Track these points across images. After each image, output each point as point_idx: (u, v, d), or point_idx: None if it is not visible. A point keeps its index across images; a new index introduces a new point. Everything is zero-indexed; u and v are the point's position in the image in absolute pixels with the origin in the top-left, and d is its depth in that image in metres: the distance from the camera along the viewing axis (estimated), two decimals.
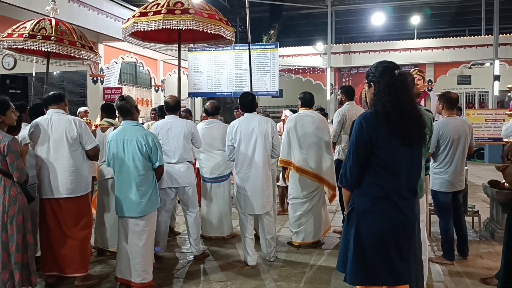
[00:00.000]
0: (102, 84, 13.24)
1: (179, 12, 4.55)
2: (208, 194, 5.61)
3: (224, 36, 5.05)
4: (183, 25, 4.57)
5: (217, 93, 13.41)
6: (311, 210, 5.16)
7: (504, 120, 13.12)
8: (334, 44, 18.70)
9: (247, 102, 4.69)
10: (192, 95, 14.00)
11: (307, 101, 5.28)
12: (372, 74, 2.46)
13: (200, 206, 5.28)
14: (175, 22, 4.53)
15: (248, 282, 4.10)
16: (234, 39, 5.37)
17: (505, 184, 5.37)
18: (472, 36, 18.12)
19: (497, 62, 16.57)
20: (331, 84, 18.77)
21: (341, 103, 5.60)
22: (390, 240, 2.32)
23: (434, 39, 18.03)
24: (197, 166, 5.96)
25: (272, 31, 19.32)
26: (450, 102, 4.49)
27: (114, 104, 4.28)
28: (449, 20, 21.52)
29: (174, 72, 18.28)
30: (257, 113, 4.95)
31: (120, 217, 3.92)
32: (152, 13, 4.61)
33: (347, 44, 18.94)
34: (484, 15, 18.15)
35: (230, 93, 13.50)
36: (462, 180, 4.55)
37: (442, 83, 19.03)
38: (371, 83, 2.45)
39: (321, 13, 19.08)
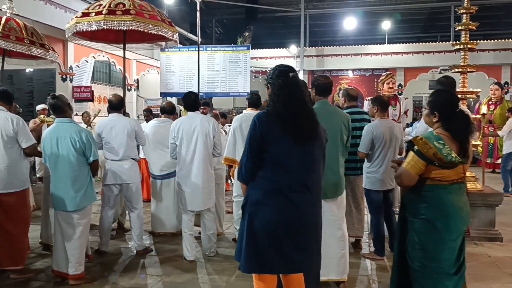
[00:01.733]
0: (71, 82, 13.21)
1: (120, 13, 4.68)
2: (158, 191, 5.73)
3: (166, 36, 5.17)
4: (123, 25, 4.70)
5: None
6: None
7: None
8: (308, 47, 18.96)
9: (190, 101, 4.83)
10: (164, 95, 14.08)
11: (254, 101, 5.43)
12: (269, 77, 2.62)
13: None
14: (115, 22, 4.66)
15: (182, 275, 4.23)
16: (178, 40, 5.49)
17: None
18: (440, 42, 18.56)
19: None
20: None
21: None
22: (282, 231, 2.47)
23: (404, 44, 18.40)
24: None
25: (247, 33, 19.48)
26: (382, 105, 4.69)
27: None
28: (421, 26, 21.96)
29: (148, 71, 18.34)
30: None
31: (56, 211, 4.02)
32: (94, 13, 4.73)
33: (320, 47, 19.23)
34: (453, 22, 18.58)
35: (202, 94, 13.59)
36: (393, 179, 4.74)
37: (412, 87, 19.44)
38: (268, 85, 2.62)
39: (295, 17, 19.30)
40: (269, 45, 20.36)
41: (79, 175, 3.96)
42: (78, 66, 13.76)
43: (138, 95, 18.20)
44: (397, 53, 18.19)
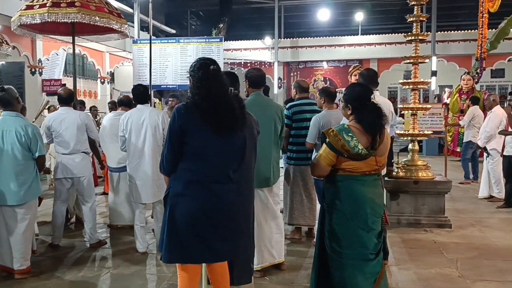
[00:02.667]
0: (40, 75, 13.06)
1: (64, 5, 4.65)
2: (115, 184, 5.75)
3: (114, 28, 5.16)
4: (67, 18, 4.67)
5: (162, 86, 13.47)
6: None
7: (440, 114, 13.73)
8: (282, 39, 18.99)
9: (139, 94, 4.84)
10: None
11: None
12: (191, 69, 2.66)
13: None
14: (60, 15, 4.63)
15: (131, 267, 4.28)
16: (127, 31, 5.47)
17: (393, 173, 5.74)
18: (425, 33, 18.70)
19: (434, 59, 17.23)
20: (280, 78, 19.07)
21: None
22: (203, 221, 2.52)
23: (377, 35, 18.57)
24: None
25: (221, 25, 19.40)
26: (330, 96, 4.77)
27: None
28: (395, 17, 22.12)
29: (122, 64, 18.19)
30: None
31: (0, 205, 4.02)
32: (38, 6, 4.69)
33: (294, 39, 19.26)
34: (425, 12, 18.78)
35: (176, 86, 13.53)
36: None
37: (386, 78, 19.62)
38: (190, 77, 2.65)
39: (270, 8, 19.28)
40: (245, 37, 20.33)
41: (23, 170, 3.97)
42: (48, 59, 13.60)
43: (113, 88, 18.07)
44: (370, 44, 18.33)
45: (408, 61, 5.96)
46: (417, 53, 5.92)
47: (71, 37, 5.54)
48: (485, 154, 7.33)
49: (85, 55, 15.48)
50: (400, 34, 18.91)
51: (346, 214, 2.81)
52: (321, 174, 2.90)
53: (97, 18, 4.81)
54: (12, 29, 5.31)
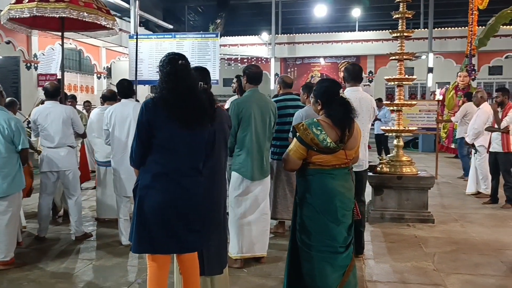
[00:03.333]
0: (36, 70, 13.12)
1: (53, 0, 4.69)
2: (102, 178, 5.81)
3: (102, 24, 5.20)
4: (56, 12, 4.71)
5: (158, 81, 13.48)
6: None
7: (435, 111, 13.74)
8: (279, 35, 19.02)
9: (123, 88, 4.91)
10: (133, 82, 14.05)
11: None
12: (160, 64, 2.71)
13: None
14: (48, 9, 4.67)
15: (113, 259, 4.35)
16: (117, 28, 5.51)
17: (377, 168, 5.80)
18: (410, 30, 18.71)
19: (431, 55, 17.27)
20: (277, 74, 19.11)
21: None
22: (171, 213, 2.58)
23: (374, 31, 18.58)
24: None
25: (218, 20, 19.45)
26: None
27: None
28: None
29: (119, 59, 18.24)
30: None
31: None
32: (27, 0, 4.74)
33: (291, 35, 19.30)
34: (423, 9, 18.80)
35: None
36: None
37: (383, 74, 19.62)
38: (159, 72, 2.71)
39: (268, 3, 19.31)
40: (242, 33, 20.37)
41: (7, 162, 4.03)
42: (44, 54, 13.65)
43: (110, 83, 18.10)
44: (367, 41, 18.37)
45: (393, 57, 5.99)
46: (402, 50, 5.96)
47: (61, 32, 5.58)
48: (473, 151, 7.38)
49: (81, 50, 15.52)
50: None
51: (316, 208, 2.86)
52: (292, 167, 2.96)
53: (85, 13, 4.85)
54: (1, 23, 5.35)
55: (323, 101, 2.95)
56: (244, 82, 4.22)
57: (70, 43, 14.51)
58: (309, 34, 19.24)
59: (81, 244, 4.88)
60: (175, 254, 2.84)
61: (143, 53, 14.32)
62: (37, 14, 4.74)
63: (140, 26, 17.90)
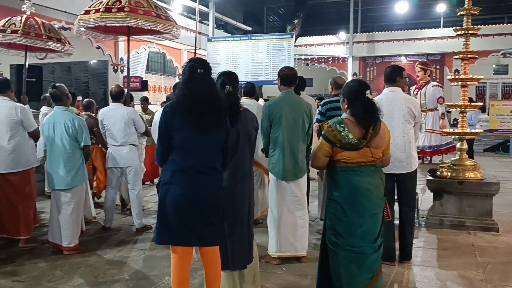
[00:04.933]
0: (122, 73, 14.12)
1: (115, 11, 5.10)
2: None
3: (161, 30, 5.54)
4: (117, 22, 5.12)
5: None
6: None
7: None
8: (358, 33, 18.66)
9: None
10: None
11: (248, 91, 5.73)
12: (182, 70, 2.91)
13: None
14: (111, 19, 5.10)
15: (164, 251, 4.55)
16: (178, 32, 5.81)
17: (437, 172, 5.56)
18: (501, 25, 17.46)
19: None
20: (355, 74, 18.77)
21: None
22: (188, 207, 2.75)
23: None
24: None
25: (296, 21, 19.47)
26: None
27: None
28: (485, 7, 20.70)
29: None
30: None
31: (52, 189, 4.57)
32: (93, 11, 5.21)
33: (370, 33, 18.82)
34: None
35: (247, 82, 13.93)
36: None
37: (471, 72, 18.48)
38: (182, 77, 2.91)
39: (346, 2, 19.01)
40: (321, 32, 20.27)
41: (71, 158, 4.48)
42: (130, 58, 14.63)
43: None
44: (452, 37, 17.32)
45: (457, 56, 5.70)
46: (467, 48, 5.65)
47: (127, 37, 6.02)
48: None
49: (164, 53, 16.41)
50: (487, 26, 17.78)
51: (343, 205, 2.90)
52: (319, 164, 3.03)
53: (143, 21, 5.21)
54: (75, 32, 5.92)
55: (349, 100, 3.00)
56: (278, 84, 4.30)
57: (154, 47, 15.44)
58: (389, 32, 18.62)
59: (140, 235, 5.25)
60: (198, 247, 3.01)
61: (220, 55, 14.84)
62: (101, 24, 5.19)
63: (219, 29, 18.54)
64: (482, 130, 6.10)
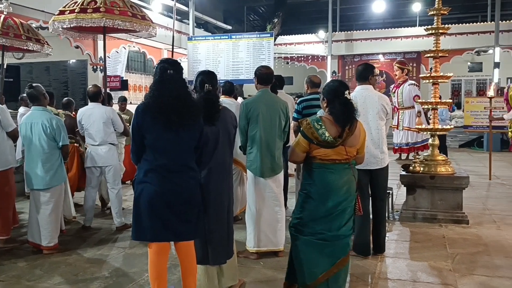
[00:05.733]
0: (101, 72, 14.03)
1: (90, 11, 5.13)
2: None
3: (137, 30, 5.59)
4: (93, 23, 5.15)
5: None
6: None
7: (503, 108, 13.09)
8: (337, 32, 18.88)
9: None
10: (191, 82, 14.64)
11: (227, 89, 5.81)
12: (154, 72, 2.99)
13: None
14: (86, 20, 5.13)
15: (144, 248, 4.61)
16: (154, 31, 5.85)
17: (410, 167, 5.74)
18: (474, 23, 17.87)
19: (497, 50, 16.37)
20: (334, 72, 19.00)
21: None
22: (162, 205, 2.85)
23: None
24: None
25: (276, 20, 19.60)
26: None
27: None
28: (460, 6, 21.14)
29: (181, 60, 18.99)
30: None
31: (30, 189, 4.60)
32: (68, 11, 5.22)
33: (349, 32, 19.05)
34: (490, 1, 17.85)
35: (226, 81, 14.01)
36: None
37: (446, 70, 18.84)
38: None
39: (325, 1, 19.21)
40: (300, 31, 20.43)
41: (49, 158, 4.51)
42: (109, 57, 14.57)
43: None
44: (428, 36, 17.65)
45: (428, 55, 5.88)
46: (437, 47, 5.83)
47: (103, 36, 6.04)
48: None
49: (144, 52, 16.36)
50: (461, 24, 18.18)
51: (314, 196, 3.05)
52: (296, 159, 3.17)
53: (119, 22, 5.25)
54: (50, 31, 5.92)
55: (328, 99, 3.13)
56: (255, 83, 4.40)
57: (134, 46, 15.39)
58: (367, 30, 18.88)
59: (120, 234, 5.29)
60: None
61: (201, 54, 14.89)
62: (77, 24, 5.21)
63: (199, 28, 18.55)
64: (452, 126, 6.24)
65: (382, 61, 19.10)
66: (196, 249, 3.26)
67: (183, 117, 2.85)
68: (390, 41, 18.14)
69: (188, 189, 2.91)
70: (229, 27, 19.89)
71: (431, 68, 18.99)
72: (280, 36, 19.18)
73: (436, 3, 5.81)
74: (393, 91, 10.52)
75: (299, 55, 19.28)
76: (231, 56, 14.26)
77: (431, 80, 5.82)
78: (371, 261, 4.20)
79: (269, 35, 14.83)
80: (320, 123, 3.00)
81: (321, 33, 18.84)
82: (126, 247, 4.81)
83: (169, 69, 2.90)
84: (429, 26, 5.93)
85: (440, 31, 5.80)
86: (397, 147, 10.70)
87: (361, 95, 4.39)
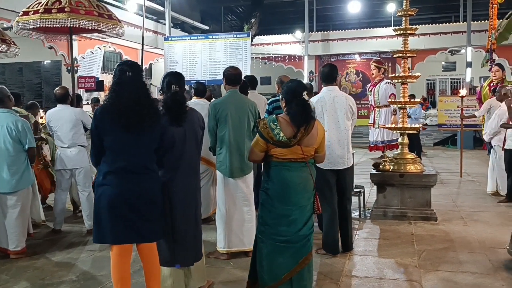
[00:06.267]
0: (76, 73, 13.84)
1: (55, 11, 5.06)
2: None
3: (103, 29, 5.54)
4: (58, 23, 5.09)
5: (191, 81, 13.92)
6: (201, 190, 5.68)
7: (475, 107, 13.32)
8: (313, 32, 19.00)
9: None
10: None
11: (199, 90, 5.80)
12: (113, 74, 2.97)
13: None
14: (51, 20, 5.06)
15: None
16: (122, 30, 5.80)
17: (380, 166, 5.82)
18: (446, 24, 18.21)
19: (469, 49, 16.70)
20: (311, 72, 19.10)
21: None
22: (123, 206, 2.84)
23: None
24: None
25: (253, 20, 19.63)
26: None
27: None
28: (431, 7, 21.53)
29: (157, 60, 18.86)
30: None
31: None
32: (32, 12, 5.15)
33: (325, 32, 19.19)
34: (463, 1, 18.18)
35: (205, 81, 14.01)
36: None
37: (422, 70, 19.16)
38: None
39: (302, 1, 19.31)
40: (278, 31, 20.49)
41: (15, 161, 4.44)
42: (84, 57, 14.40)
43: (151, 84, 18.75)
44: (402, 36, 17.97)
45: (397, 55, 5.98)
46: (406, 47, 5.94)
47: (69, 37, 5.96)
48: (492, 149, 7.20)
49: (120, 53, 16.20)
50: (434, 25, 18.49)
51: (272, 196, 3.09)
52: (255, 159, 3.20)
53: (85, 22, 5.19)
54: (14, 33, 5.82)
55: (286, 100, 3.16)
56: (224, 83, 4.41)
57: (109, 46, 15.24)
58: (343, 31, 19.04)
59: (91, 237, 5.18)
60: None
61: (177, 54, 14.86)
62: (42, 25, 5.14)
63: (176, 28, 18.44)
64: (421, 125, 6.37)
65: (358, 61, 19.27)
66: (163, 251, 3.27)
67: (143, 120, 2.85)
68: (366, 41, 18.31)
69: (148, 190, 2.91)
70: (207, 27, 19.82)
71: (408, 68, 19.15)
72: (257, 36, 19.21)
73: (404, 4, 5.92)
74: (370, 89, 10.63)
75: (277, 55, 19.33)
76: (208, 56, 14.28)
77: (399, 80, 5.91)
78: (339, 259, 4.26)
79: (246, 35, 14.88)
80: (275, 123, 3.03)
81: (298, 33, 18.92)
82: (96, 250, 4.76)
83: (128, 71, 2.89)
84: (397, 27, 5.99)
85: (408, 31, 5.90)
86: (372, 145, 10.82)
87: (329, 96, 4.45)
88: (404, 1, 5.88)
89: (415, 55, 6.06)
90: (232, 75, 4.38)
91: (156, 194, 2.96)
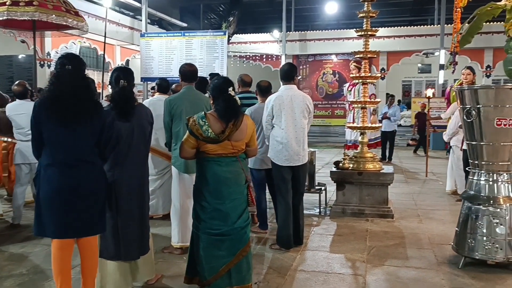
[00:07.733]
0: (49, 68, 13.72)
1: (23, 4, 5.05)
2: None
3: (71, 25, 5.54)
4: (26, 16, 5.07)
5: (168, 78, 13.88)
6: (162, 186, 5.73)
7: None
8: (291, 32, 19.13)
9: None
10: (145, 79, 14.51)
11: (162, 87, 5.83)
12: (54, 67, 3.00)
13: None
14: (18, 13, 5.04)
15: None
16: (85, 28, 5.81)
17: (340, 164, 5.93)
18: (420, 26, 18.53)
19: (443, 52, 17.02)
20: None
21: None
22: (61, 200, 2.85)
23: (386, 28, 18.41)
24: None
25: (231, 18, 19.66)
26: (261, 90, 5.04)
27: None
28: (407, 10, 21.87)
29: (134, 57, 18.76)
30: None
31: None
32: None
33: (303, 32, 19.34)
34: (437, 5, 18.51)
35: (160, 78, 14.04)
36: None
37: (397, 71, 19.53)
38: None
39: (280, 1, 19.41)
40: (256, 30, 20.58)
41: None
42: (57, 52, 14.24)
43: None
44: (378, 37, 18.15)
45: (358, 56, 6.10)
46: (366, 48, 6.06)
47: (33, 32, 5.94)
48: (451, 149, 7.38)
49: (96, 48, 16.08)
50: (409, 27, 18.81)
51: (204, 191, 3.17)
52: (186, 155, 3.25)
53: (54, 16, 5.19)
54: None
55: (214, 96, 3.25)
56: (180, 80, 4.46)
57: (85, 42, 15.11)
58: (320, 31, 19.23)
59: None
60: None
61: (154, 51, 14.79)
62: (8, 17, 5.11)
63: (153, 25, 18.37)
64: (381, 125, 6.50)
65: (335, 61, 19.49)
66: (109, 245, 3.31)
67: (79, 113, 2.87)
68: (343, 41, 18.52)
69: (88, 183, 2.93)
70: (184, 25, 19.77)
71: (382, 69, 19.49)
72: (235, 35, 19.26)
73: (365, 6, 6.02)
74: (349, 89, 10.72)
75: (254, 54, 19.42)
76: (185, 54, 14.26)
77: (360, 80, 6.03)
78: (291, 254, 4.35)
79: (222, 33, 14.90)
80: (204, 119, 3.10)
81: (276, 33, 19.05)
82: (51, 244, 4.75)
83: (67, 65, 2.91)
84: (359, 29, 6.11)
85: (369, 33, 6.01)
86: (350, 144, 10.94)
87: (287, 94, 4.53)
88: (366, 4, 5.98)
89: (375, 56, 6.17)
90: (188, 72, 4.43)
91: (98, 187, 2.97)
